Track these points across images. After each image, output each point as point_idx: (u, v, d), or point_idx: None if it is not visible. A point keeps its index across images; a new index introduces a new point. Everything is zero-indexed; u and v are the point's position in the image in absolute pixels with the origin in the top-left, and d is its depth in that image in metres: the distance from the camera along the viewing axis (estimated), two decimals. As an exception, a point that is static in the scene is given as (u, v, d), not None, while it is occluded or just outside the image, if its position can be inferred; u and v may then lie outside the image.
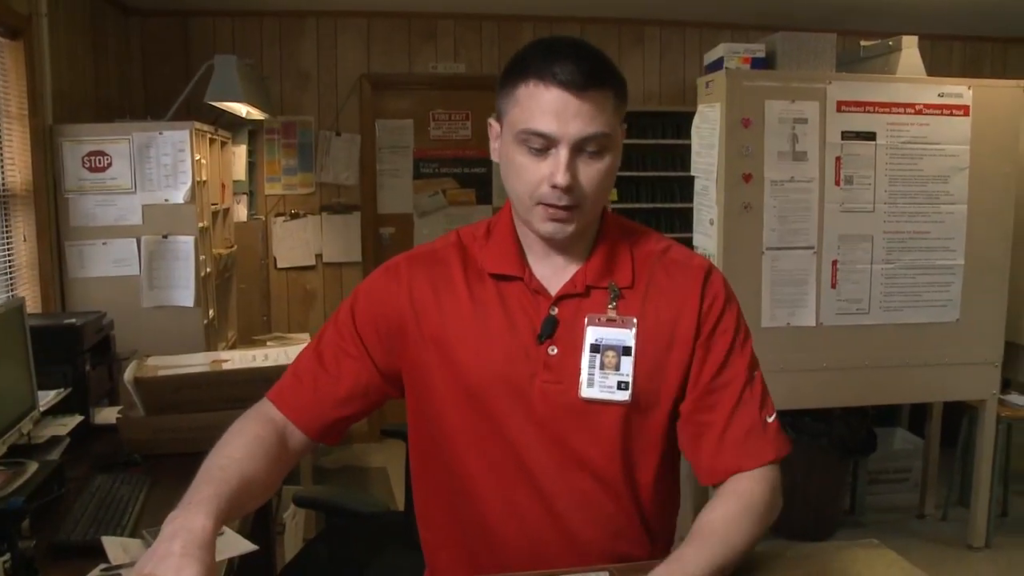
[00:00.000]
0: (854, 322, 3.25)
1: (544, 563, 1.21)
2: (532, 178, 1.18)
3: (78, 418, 2.29)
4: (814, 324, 3.22)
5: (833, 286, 3.22)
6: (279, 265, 4.85)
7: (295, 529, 3.18)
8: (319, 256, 4.89)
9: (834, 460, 3.57)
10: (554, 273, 1.27)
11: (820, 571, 1.24)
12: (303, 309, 4.91)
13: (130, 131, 3.24)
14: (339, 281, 4.94)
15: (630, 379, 1.22)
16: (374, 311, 1.31)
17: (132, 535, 1.63)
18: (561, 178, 1.15)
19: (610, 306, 1.24)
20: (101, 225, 3.24)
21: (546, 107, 1.15)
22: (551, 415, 1.23)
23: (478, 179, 5.11)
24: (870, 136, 3.17)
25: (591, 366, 1.22)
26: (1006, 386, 3.58)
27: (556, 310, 1.24)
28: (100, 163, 3.22)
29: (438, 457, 1.30)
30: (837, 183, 3.17)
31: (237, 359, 2.40)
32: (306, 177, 4.84)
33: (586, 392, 1.22)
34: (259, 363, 2.35)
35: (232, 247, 4.15)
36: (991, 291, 3.36)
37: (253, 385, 2.14)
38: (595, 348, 1.22)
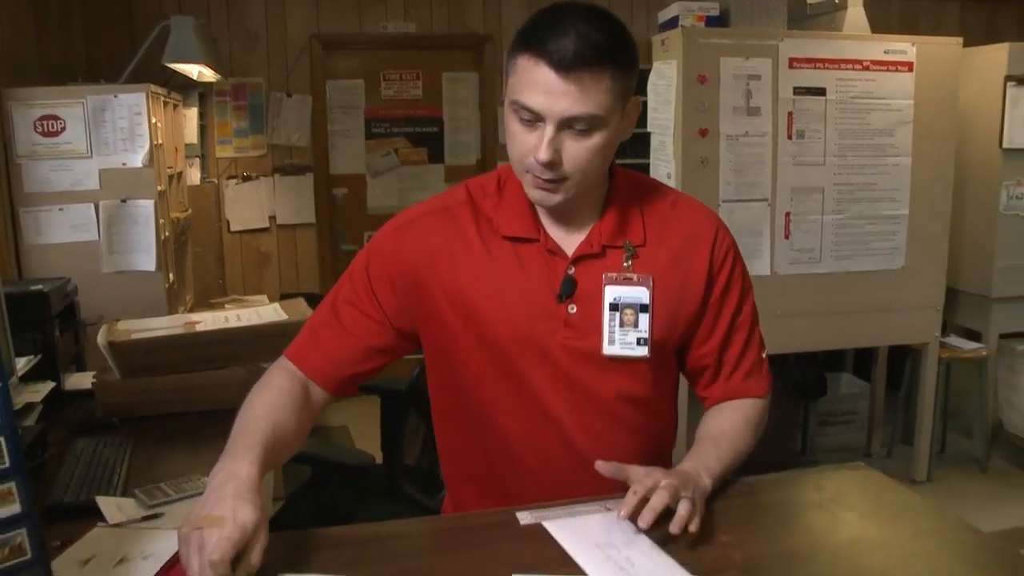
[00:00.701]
0: (807, 271, 3.38)
1: (565, 491, 1.28)
2: (522, 147, 1.21)
3: (50, 384, 2.27)
4: (768, 273, 3.34)
5: (786, 236, 3.34)
6: (232, 228, 4.81)
7: (263, 489, 3.19)
8: (272, 218, 4.87)
9: (788, 403, 3.73)
10: (568, 234, 1.31)
11: (816, 489, 1.34)
12: (258, 271, 4.89)
13: (84, 95, 3.18)
14: (293, 243, 4.92)
15: (648, 335, 1.28)
16: (390, 270, 1.33)
17: (124, 495, 1.64)
18: (543, 154, 1.17)
19: (626, 264, 1.29)
20: (57, 191, 3.19)
21: (535, 83, 1.16)
22: (573, 368, 1.29)
23: (430, 138, 5.10)
24: (820, 92, 3.27)
25: (611, 324, 1.28)
26: (945, 329, 3.76)
27: (573, 270, 1.29)
28: (53, 128, 3.16)
29: (461, 402, 1.35)
30: (789, 137, 3.27)
31: (209, 320, 2.39)
32: (257, 139, 4.80)
33: (607, 350, 1.28)
34: (231, 324, 2.34)
35: (187, 211, 4.11)
36: (933, 239, 3.51)
37: (226, 346, 2.24)
38: (614, 307, 1.27)
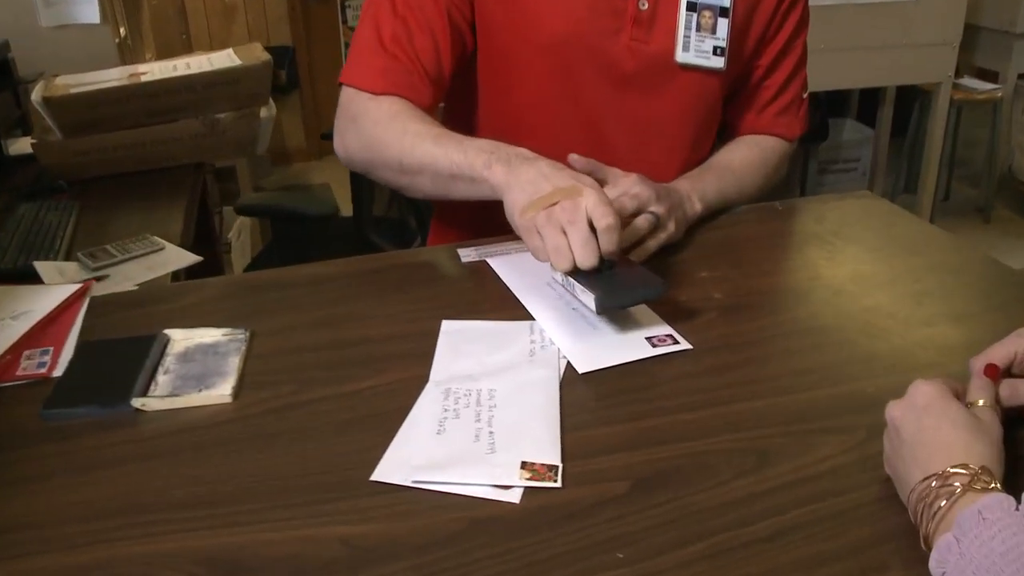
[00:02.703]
0: (813, 3, 3.07)
1: None
2: None
3: (-10, 148, 2.11)
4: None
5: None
6: (192, -25, 4.42)
7: (241, 248, 3.12)
8: (235, -37, 4.46)
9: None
10: None
11: (815, 220, 1.19)
12: (224, 24, 4.53)
13: None
14: (261, -10, 4.55)
15: (726, 44, 1.13)
16: None
17: (66, 259, 1.54)
18: None
19: None
20: (-24, -68, 2.84)
21: None
22: (635, 76, 1.14)
23: None
24: None
25: (687, 27, 1.12)
26: (958, 72, 3.51)
27: None
28: None
29: (497, 110, 1.21)
30: None
31: (156, 70, 2.19)
32: None
33: (681, 57, 1.14)
34: (180, 72, 2.14)
35: (135, -43, 3.73)
36: (956, -35, 3.19)
37: (176, 96, 2.05)
38: (691, 6, 1.12)
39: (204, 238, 2.37)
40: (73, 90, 2.03)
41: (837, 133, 3.90)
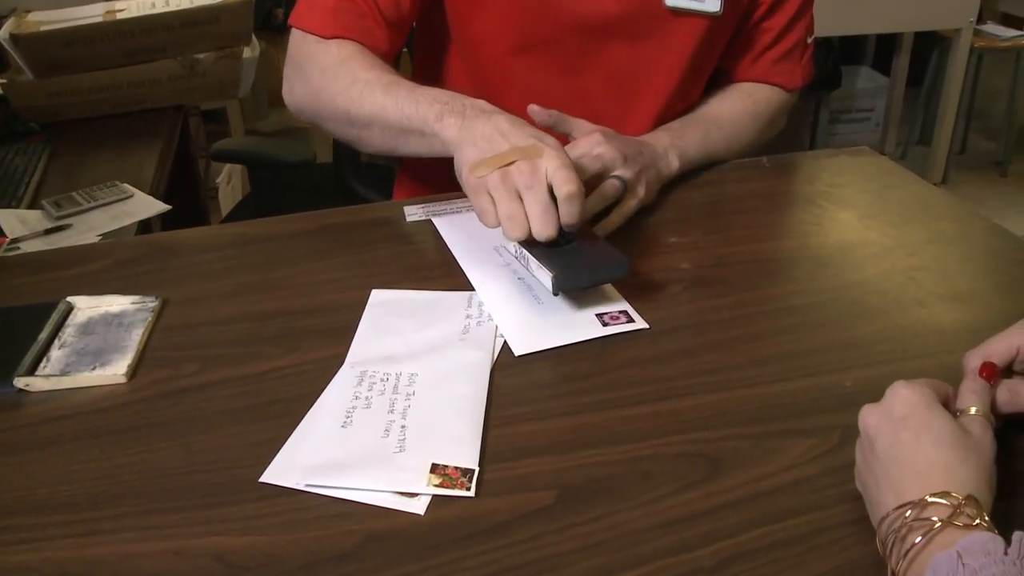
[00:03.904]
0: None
1: None
2: None
3: (-46, 91, 2.02)
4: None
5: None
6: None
7: (231, 193, 3.02)
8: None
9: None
10: None
11: (806, 179, 1.08)
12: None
13: None
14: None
15: None
16: None
17: (31, 207, 1.46)
18: None
19: None
20: None
21: None
22: (618, 22, 1.02)
23: None
24: None
25: None
26: (981, 18, 3.33)
27: None
28: None
29: (466, 61, 1.10)
30: None
31: (134, 7, 2.10)
32: None
33: (671, 0, 1.02)
34: (159, 9, 2.06)
35: None
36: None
37: (153, 35, 1.95)
38: None
39: (187, 185, 2.29)
40: (44, 27, 1.93)
41: (850, 81, 3.74)
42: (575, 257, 0.76)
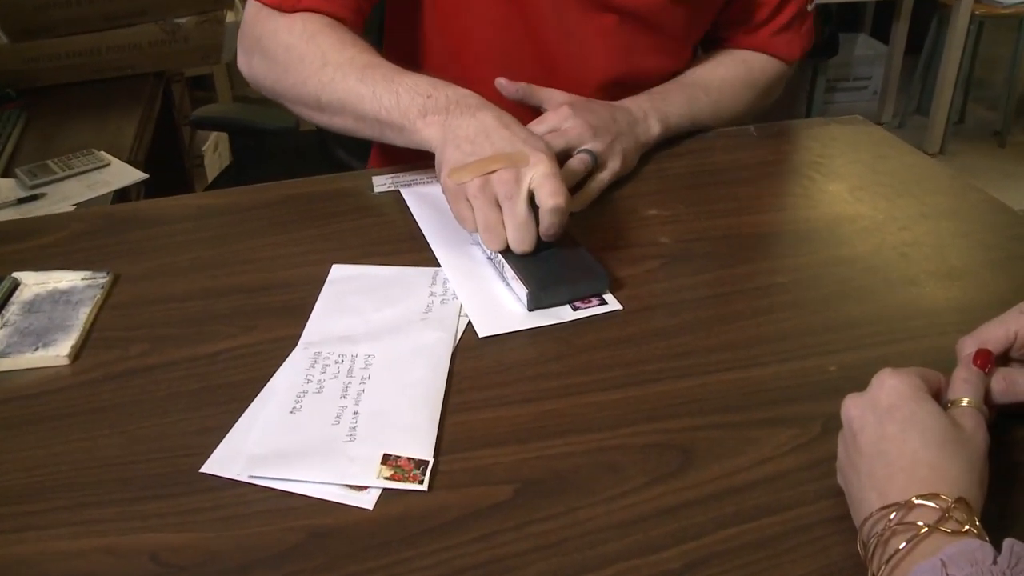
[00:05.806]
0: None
1: None
2: None
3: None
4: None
5: None
6: None
7: (217, 161, 2.97)
8: None
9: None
10: None
11: (797, 149, 1.04)
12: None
13: None
14: None
15: None
16: None
17: (4, 175, 1.44)
18: None
19: None
20: None
21: None
22: None
23: None
24: None
25: None
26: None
27: None
28: None
29: (440, 34, 1.03)
30: None
31: (113, -32, 2.05)
32: None
33: None
34: None
35: None
36: None
37: None
38: None
39: (172, 153, 2.25)
40: (19, -12, 1.90)
41: (848, 49, 3.68)
42: (552, 269, 0.73)
